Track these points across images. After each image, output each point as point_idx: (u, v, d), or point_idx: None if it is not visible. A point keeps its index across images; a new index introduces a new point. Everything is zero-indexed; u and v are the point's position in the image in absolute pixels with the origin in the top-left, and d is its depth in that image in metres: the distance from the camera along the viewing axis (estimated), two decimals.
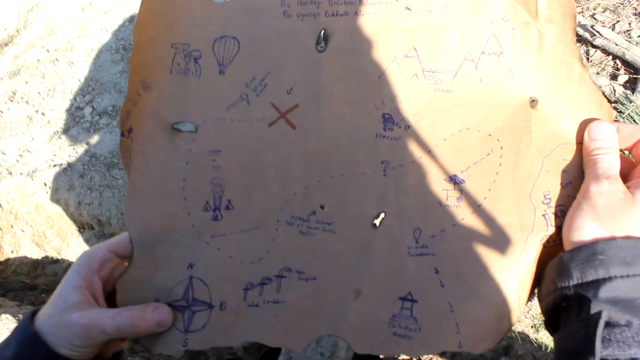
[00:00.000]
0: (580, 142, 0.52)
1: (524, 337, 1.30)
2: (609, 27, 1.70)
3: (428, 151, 0.54)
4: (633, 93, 1.56)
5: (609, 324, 0.41)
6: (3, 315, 1.26)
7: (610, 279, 0.43)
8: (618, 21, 1.72)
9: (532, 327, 1.32)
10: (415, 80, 0.54)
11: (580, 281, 0.44)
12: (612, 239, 0.44)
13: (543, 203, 0.51)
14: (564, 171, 0.52)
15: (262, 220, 0.55)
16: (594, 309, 0.42)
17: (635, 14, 1.70)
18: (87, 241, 1.57)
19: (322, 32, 0.55)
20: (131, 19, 1.97)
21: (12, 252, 1.57)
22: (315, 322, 0.52)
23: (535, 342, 1.27)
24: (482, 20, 0.53)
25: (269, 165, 0.55)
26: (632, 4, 1.72)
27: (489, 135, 0.53)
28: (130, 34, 1.92)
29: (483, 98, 0.54)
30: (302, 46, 0.55)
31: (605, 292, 0.43)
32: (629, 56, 1.63)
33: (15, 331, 0.47)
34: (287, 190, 0.55)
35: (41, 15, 2.36)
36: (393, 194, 0.54)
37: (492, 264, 0.51)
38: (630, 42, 1.66)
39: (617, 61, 1.67)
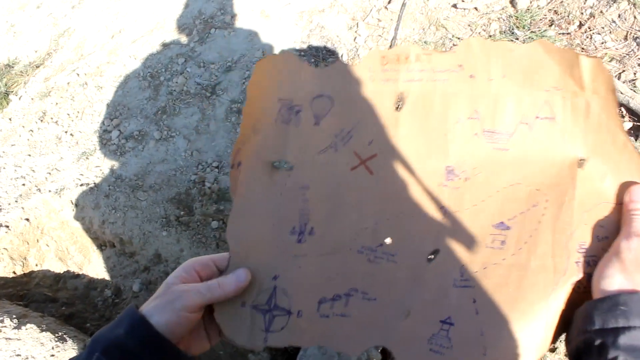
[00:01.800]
0: (620, 202, 0.58)
1: None
2: (615, 76, 1.78)
3: (482, 201, 0.62)
4: (637, 140, 1.63)
5: None
6: (28, 325, 1.32)
7: (629, 328, 0.47)
8: (624, 71, 1.79)
9: None
10: (475, 139, 0.63)
11: (601, 327, 0.49)
12: (635, 292, 0.50)
13: (578, 252, 0.57)
14: (601, 226, 0.58)
15: (338, 247, 0.65)
16: (611, 355, 0.47)
17: None
18: (107, 259, 1.64)
19: (400, 94, 0.66)
20: (160, 47, 2.07)
21: (37, 265, 1.63)
22: (371, 334, 0.61)
23: None
24: (536, 89, 0.61)
25: (348, 202, 0.65)
26: (637, 55, 1.80)
27: (537, 190, 0.61)
28: (157, 62, 2.02)
29: (535, 157, 0.61)
30: (383, 106, 0.66)
31: (624, 339, 0.47)
32: (633, 104, 1.71)
33: (125, 313, 0.55)
34: (360, 224, 0.65)
35: (72, 40, 2.48)
36: (447, 236, 0.62)
37: (523, 300, 0.58)
38: (634, 91, 1.74)
39: (622, 109, 1.74)
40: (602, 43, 1.76)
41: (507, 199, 0.61)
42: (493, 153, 0.62)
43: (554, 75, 0.61)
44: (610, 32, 1.74)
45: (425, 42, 1.84)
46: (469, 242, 0.62)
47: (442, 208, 0.63)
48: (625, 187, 0.58)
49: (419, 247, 0.63)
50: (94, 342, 0.52)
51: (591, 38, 1.77)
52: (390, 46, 1.90)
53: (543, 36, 1.81)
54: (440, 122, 0.64)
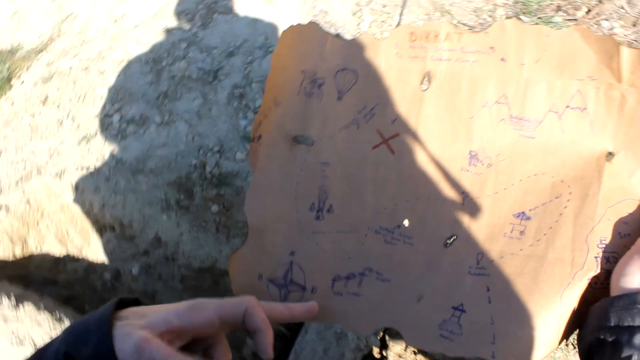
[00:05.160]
0: None
1: None
2: None
3: (504, 189, 0.61)
4: None
5: None
6: (26, 305, 1.32)
7: None
8: None
9: None
10: (502, 124, 0.61)
11: (617, 324, 0.48)
12: None
13: (598, 247, 0.56)
14: (624, 223, 0.56)
15: (356, 226, 0.64)
16: (625, 353, 0.46)
17: None
18: (107, 242, 1.63)
19: (427, 73, 0.64)
20: (162, 32, 2.06)
21: (37, 247, 1.63)
22: (382, 315, 0.60)
23: None
24: (570, 77, 0.59)
25: (368, 181, 0.64)
26: None
27: (562, 181, 0.59)
28: (160, 47, 2.00)
29: (562, 147, 0.59)
30: (409, 84, 0.64)
31: (639, 339, 0.46)
32: None
33: (95, 327, 0.43)
34: (379, 204, 0.64)
35: (74, 25, 2.46)
36: (466, 221, 0.61)
37: (538, 291, 0.56)
38: None
39: None
40: (610, 29, 1.73)
41: (529, 188, 0.60)
42: (519, 140, 0.60)
43: (590, 64, 0.58)
44: (619, 19, 1.71)
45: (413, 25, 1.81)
46: (488, 229, 0.60)
47: (462, 193, 0.62)
48: None
49: (437, 231, 0.62)
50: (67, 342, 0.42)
51: (599, 24, 1.74)
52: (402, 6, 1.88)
53: (550, 22, 1.78)
54: (467, 104, 0.62)
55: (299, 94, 0.67)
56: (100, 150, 1.71)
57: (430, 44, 0.63)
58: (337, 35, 0.67)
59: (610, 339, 0.48)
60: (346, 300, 0.61)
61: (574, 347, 1.24)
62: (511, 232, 0.59)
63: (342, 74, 0.66)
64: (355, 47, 0.66)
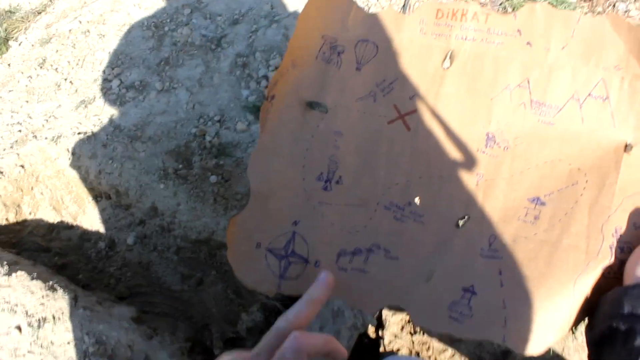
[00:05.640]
0: None
1: None
2: None
3: (520, 172, 0.60)
4: None
5: None
6: (19, 272, 1.29)
7: None
8: None
9: None
10: (522, 108, 0.60)
11: (630, 312, 0.47)
12: None
13: (613, 236, 0.56)
14: None
15: (365, 200, 0.62)
16: (639, 341, 0.45)
17: None
18: (103, 210, 1.60)
19: (450, 52, 0.63)
20: None
21: (30, 213, 1.60)
22: (389, 293, 0.59)
23: None
24: (595, 65, 0.58)
25: (381, 156, 0.63)
26: None
27: (579, 169, 0.58)
28: (162, 12, 1.95)
29: (581, 135, 0.58)
30: (431, 61, 0.63)
31: None
32: None
33: None
34: (391, 179, 0.62)
35: None
36: (479, 202, 0.60)
37: (551, 277, 0.56)
38: None
39: None
40: (626, 12, 1.68)
41: (546, 174, 0.59)
42: (538, 125, 0.60)
43: (618, 54, 0.57)
44: (635, 1, 1.66)
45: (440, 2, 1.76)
46: (502, 212, 0.60)
47: (477, 174, 0.61)
48: None
49: (449, 210, 0.61)
50: None
51: (614, 6, 1.69)
52: (404, 5, 1.82)
53: (563, 2, 1.73)
54: (488, 86, 0.61)
55: (317, 58, 0.65)
56: (98, 116, 1.67)
57: (457, 23, 0.62)
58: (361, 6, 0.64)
59: (623, 328, 0.47)
60: (351, 276, 0.60)
61: (572, 333, 1.21)
62: (525, 215, 0.59)
63: (362, 44, 0.65)
64: (378, 20, 0.65)
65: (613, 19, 0.57)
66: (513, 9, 1.79)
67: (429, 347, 1.29)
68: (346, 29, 0.65)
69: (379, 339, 1.29)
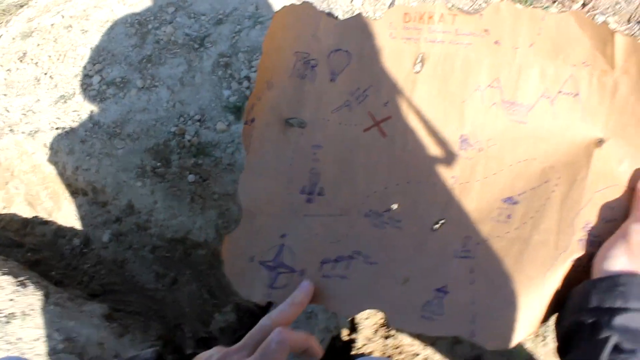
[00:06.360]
0: (632, 187, 0.56)
1: (497, 351, 1.32)
2: None
3: (493, 174, 0.61)
4: None
5: (616, 349, 0.45)
6: None
7: (626, 309, 0.46)
8: None
9: None
10: (494, 109, 0.61)
11: (597, 306, 0.48)
12: (636, 274, 0.48)
13: (582, 230, 0.56)
14: (610, 208, 0.56)
15: (346, 209, 0.64)
16: (604, 334, 0.46)
17: None
18: (79, 207, 1.59)
19: (421, 55, 0.63)
20: None
21: (4, 208, 1.58)
22: (368, 298, 0.60)
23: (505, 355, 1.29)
24: (563, 62, 0.59)
25: (359, 165, 0.64)
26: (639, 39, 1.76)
27: (551, 167, 0.59)
28: (146, 10, 1.94)
29: (553, 132, 0.59)
30: (402, 66, 0.64)
31: (619, 320, 0.46)
32: None
33: None
34: (370, 187, 0.64)
35: None
36: (455, 205, 0.61)
37: (521, 273, 0.56)
38: None
39: None
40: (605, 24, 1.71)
41: (519, 174, 0.60)
42: (510, 125, 0.60)
43: (584, 50, 0.58)
44: (614, 14, 1.69)
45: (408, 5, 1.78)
46: (476, 214, 0.61)
47: (452, 177, 0.62)
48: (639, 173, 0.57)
49: (425, 215, 0.62)
50: None
51: (594, 18, 1.72)
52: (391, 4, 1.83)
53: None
54: (459, 88, 0.62)
55: (292, 75, 0.66)
56: (78, 112, 1.65)
57: (424, 26, 0.62)
58: (330, 14, 0.65)
59: (589, 321, 0.48)
60: (333, 282, 0.61)
61: (543, 339, 1.23)
62: (498, 215, 0.60)
63: (335, 54, 0.65)
64: (349, 27, 0.65)
65: (577, 16, 0.58)
66: None
67: (401, 352, 1.29)
68: (317, 41, 0.66)
69: (351, 342, 1.30)
